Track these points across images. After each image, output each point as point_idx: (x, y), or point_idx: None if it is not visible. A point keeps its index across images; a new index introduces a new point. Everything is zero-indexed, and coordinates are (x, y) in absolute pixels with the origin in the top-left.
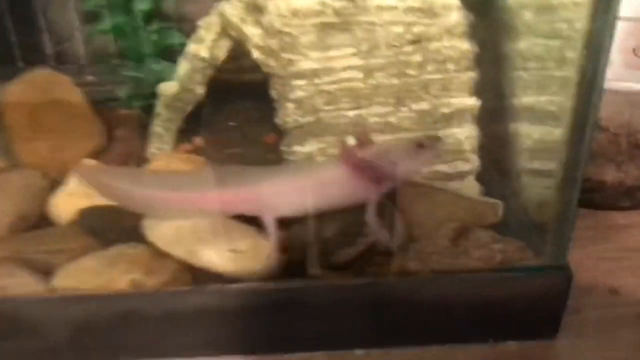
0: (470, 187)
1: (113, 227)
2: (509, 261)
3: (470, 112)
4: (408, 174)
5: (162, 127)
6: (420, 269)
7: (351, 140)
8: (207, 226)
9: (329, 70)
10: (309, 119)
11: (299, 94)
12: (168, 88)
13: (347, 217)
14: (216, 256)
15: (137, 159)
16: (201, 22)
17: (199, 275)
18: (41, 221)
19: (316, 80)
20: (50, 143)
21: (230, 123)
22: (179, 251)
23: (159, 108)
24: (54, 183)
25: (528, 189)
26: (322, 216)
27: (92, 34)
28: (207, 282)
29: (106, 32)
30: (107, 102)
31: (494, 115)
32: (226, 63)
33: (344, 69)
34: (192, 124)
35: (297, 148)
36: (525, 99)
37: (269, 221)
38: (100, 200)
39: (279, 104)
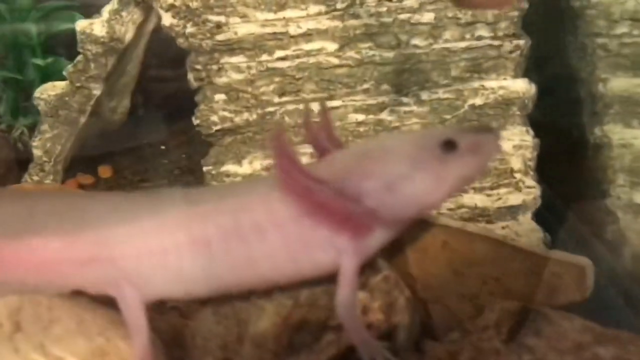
0: (529, 233)
1: None
2: None
3: (522, 105)
4: (424, 205)
5: (43, 150)
6: None
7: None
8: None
9: (282, 40)
10: (248, 117)
11: (233, 77)
12: (51, 89)
13: (298, 294)
14: None
15: None
16: None
17: None
18: None
19: (262, 57)
20: None
21: (162, 147)
22: None
23: (41, 122)
24: None
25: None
26: (247, 297)
27: None
28: None
29: None
30: None
31: (560, 109)
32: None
33: (307, 36)
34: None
35: (229, 167)
36: (616, 83)
37: (131, 308)
38: None
39: (200, 97)
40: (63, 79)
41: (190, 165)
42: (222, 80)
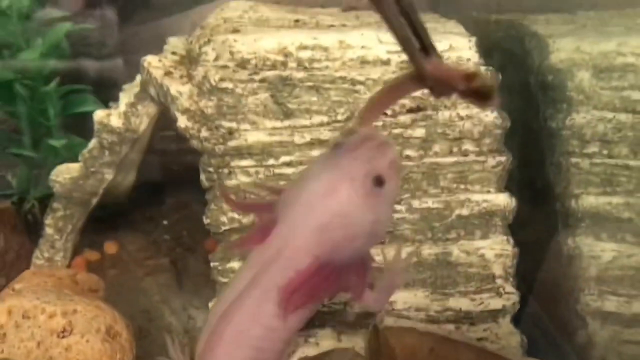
0: (508, 336)
1: None
2: None
3: (503, 216)
4: (378, 239)
5: (55, 228)
6: None
7: None
8: None
9: (287, 147)
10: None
11: (242, 180)
12: (66, 172)
13: None
14: None
15: (12, 274)
16: (125, 86)
17: None
18: None
19: (269, 161)
20: None
21: (164, 222)
22: None
23: (55, 200)
24: None
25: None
26: None
27: None
28: None
29: None
30: None
31: (538, 220)
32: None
33: (311, 144)
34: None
35: (235, 264)
36: (587, 199)
37: None
38: None
39: (211, 196)
40: (75, 155)
41: (191, 244)
42: (231, 182)
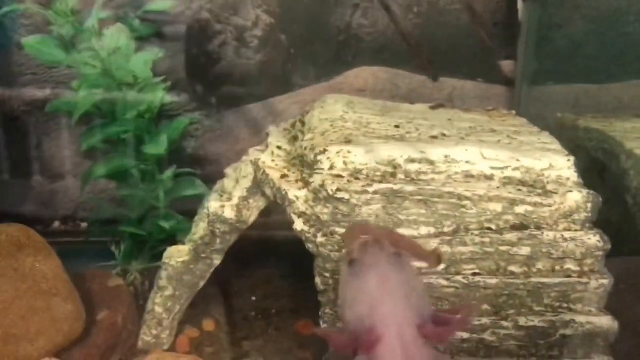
0: None
1: None
2: None
3: (605, 338)
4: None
5: (163, 308)
6: None
7: None
8: None
9: None
10: None
11: None
12: (177, 255)
13: None
14: None
15: (124, 349)
16: (229, 170)
17: None
18: None
19: None
20: (2, 331)
21: (252, 298)
22: None
23: (163, 280)
24: None
25: None
26: None
27: (88, 177)
28: None
29: (106, 177)
30: (98, 257)
31: None
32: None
33: None
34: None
35: None
36: None
37: None
38: None
39: (325, 299)
40: (176, 233)
41: (282, 325)
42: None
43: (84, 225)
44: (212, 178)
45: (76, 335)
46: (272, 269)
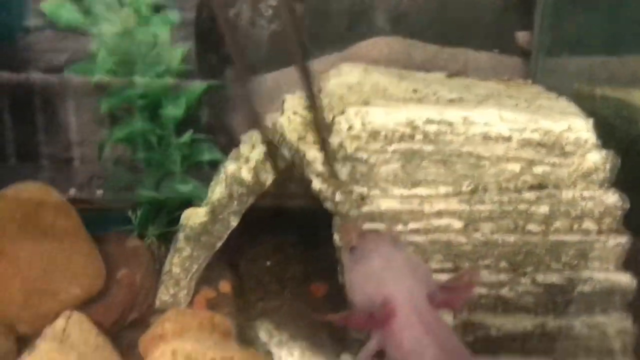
0: None
1: None
2: None
3: (622, 295)
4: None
5: (181, 268)
6: None
7: None
8: None
9: (416, 215)
10: None
11: None
12: (195, 216)
13: None
14: None
15: (142, 308)
16: (244, 137)
17: None
18: None
19: (399, 227)
20: (25, 285)
21: (267, 262)
22: None
23: (181, 241)
24: (21, 343)
25: None
26: None
27: (106, 141)
28: None
29: (124, 141)
30: (115, 223)
31: None
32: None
33: (438, 214)
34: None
35: None
36: None
37: None
38: None
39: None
40: (192, 199)
41: (296, 289)
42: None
43: (100, 193)
44: (227, 147)
45: (96, 291)
46: (286, 237)
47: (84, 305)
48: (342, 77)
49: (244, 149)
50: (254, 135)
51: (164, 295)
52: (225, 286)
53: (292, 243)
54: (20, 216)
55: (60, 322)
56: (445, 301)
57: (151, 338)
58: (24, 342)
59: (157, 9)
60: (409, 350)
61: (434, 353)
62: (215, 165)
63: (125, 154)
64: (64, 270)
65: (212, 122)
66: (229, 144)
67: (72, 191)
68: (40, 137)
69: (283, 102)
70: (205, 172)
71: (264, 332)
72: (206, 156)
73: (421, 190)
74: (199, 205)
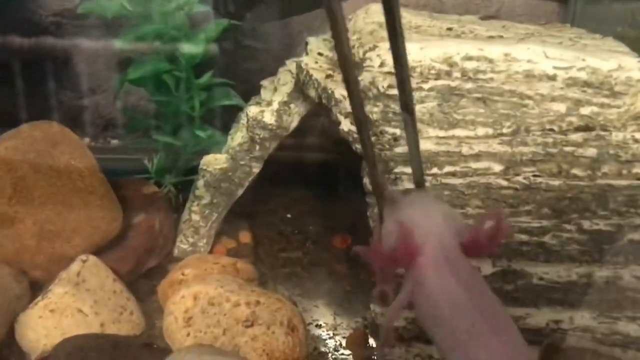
0: None
1: None
2: None
3: None
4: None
5: (200, 215)
6: None
7: None
8: None
9: (453, 157)
10: None
11: (408, 187)
12: (214, 162)
13: None
14: None
15: (160, 256)
16: (265, 82)
17: None
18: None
19: (434, 170)
20: (38, 227)
21: (288, 214)
22: None
23: (200, 189)
24: (35, 289)
25: None
26: None
27: (120, 84)
28: None
29: (139, 82)
30: (130, 174)
31: None
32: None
33: (477, 156)
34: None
35: None
36: None
37: None
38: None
39: (372, 199)
40: (211, 146)
41: (320, 241)
42: (397, 189)
43: (115, 142)
44: (246, 94)
45: (113, 236)
46: (307, 189)
47: (101, 251)
48: (371, 16)
49: (265, 94)
50: (275, 79)
51: (182, 244)
52: (245, 237)
53: (314, 195)
54: (33, 155)
55: (75, 266)
56: (478, 246)
57: (170, 283)
58: (39, 287)
59: None
60: (432, 290)
61: (457, 293)
62: (233, 114)
63: (142, 101)
64: (79, 212)
65: (232, 69)
66: (249, 91)
67: (86, 140)
68: (51, 85)
69: (306, 44)
70: (224, 119)
71: (286, 281)
72: (225, 101)
73: (459, 132)
74: (217, 153)
